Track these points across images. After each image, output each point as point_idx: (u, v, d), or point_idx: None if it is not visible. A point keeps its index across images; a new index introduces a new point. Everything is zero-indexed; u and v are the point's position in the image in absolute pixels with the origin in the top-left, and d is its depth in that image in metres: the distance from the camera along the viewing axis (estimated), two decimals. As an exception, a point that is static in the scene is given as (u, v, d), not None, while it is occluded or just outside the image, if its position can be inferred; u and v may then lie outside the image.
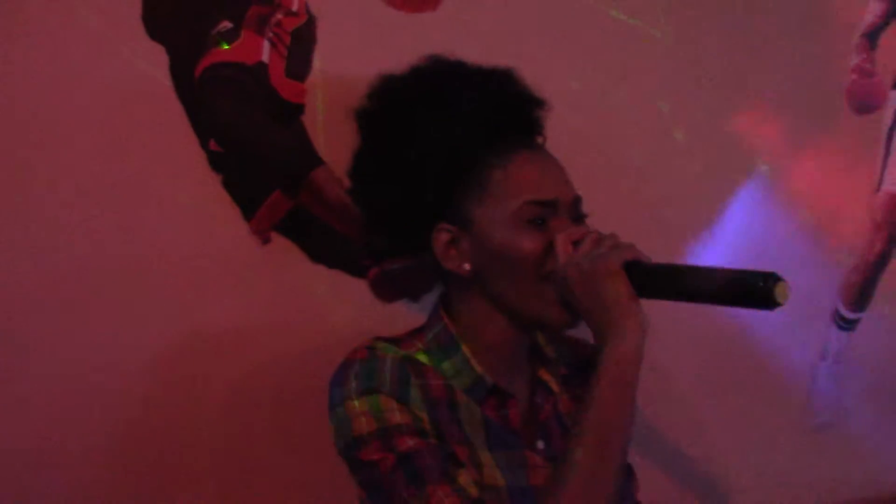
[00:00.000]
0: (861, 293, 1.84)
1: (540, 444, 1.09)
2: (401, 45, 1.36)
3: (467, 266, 1.05)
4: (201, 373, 1.32)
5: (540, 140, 1.12)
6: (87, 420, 1.26)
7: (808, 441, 1.81)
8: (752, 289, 0.87)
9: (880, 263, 1.85)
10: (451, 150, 1.04)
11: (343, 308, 1.39)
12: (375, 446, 0.97)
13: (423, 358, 1.06)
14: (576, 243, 1.00)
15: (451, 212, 1.06)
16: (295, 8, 1.32)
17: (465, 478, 0.97)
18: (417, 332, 1.11)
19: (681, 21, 1.63)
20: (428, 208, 1.06)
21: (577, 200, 1.06)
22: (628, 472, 1.20)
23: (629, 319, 0.95)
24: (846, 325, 1.83)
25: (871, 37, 1.81)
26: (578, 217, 1.07)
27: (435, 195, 1.06)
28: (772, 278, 0.86)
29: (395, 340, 1.08)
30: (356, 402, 0.99)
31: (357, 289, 1.39)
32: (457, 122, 1.04)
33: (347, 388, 1.01)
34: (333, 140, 1.34)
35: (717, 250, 1.70)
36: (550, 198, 1.03)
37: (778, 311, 1.51)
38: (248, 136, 1.31)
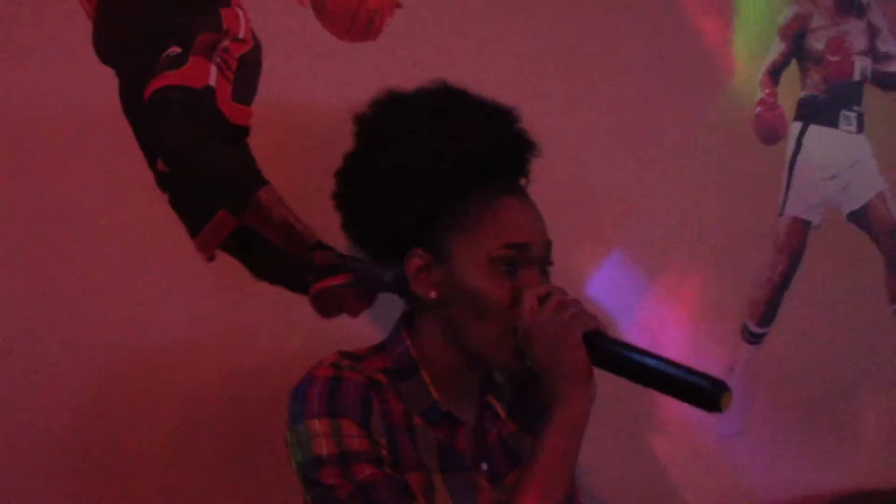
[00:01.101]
0: (767, 309, 1.95)
1: (484, 466, 1.13)
2: (342, 72, 1.44)
3: (434, 294, 1.08)
4: (146, 389, 1.34)
5: (524, 182, 1.16)
6: (30, 439, 1.26)
7: (720, 449, 1.91)
8: (700, 394, 0.93)
9: (784, 282, 1.97)
10: (442, 179, 1.07)
11: (286, 324, 1.42)
12: (334, 471, 0.99)
13: (383, 378, 1.08)
14: (541, 300, 1.03)
15: (428, 238, 1.08)
16: (242, 35, 1.36)
17: None
18: (379, 350, 1.13)
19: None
20: (406, 229, 1.09)
21: (548, 246, 1.10)
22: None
23: (580, 389, 1.01)
24: (753, 339, 1.94)
25: (775, 73, 1.95)
26: (547, 263, 1.11)
27: (416, 219, 1.08)
28: (719, 387, 0.93)
29: (357, 357, 1.09)
30: (318, 422, 1.01)
31: (300, 305, 1.43)
32: (454, 153, 1.06)
33: (310, 406, 1.02)
34: (277, 162, 1.39)
35: (634, 273, 1.80)
36: (525, 241, 1.06)
37: (691, 326, 1.62)
38: (194, 157, 1.34)
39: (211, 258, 1.37)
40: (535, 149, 1.15)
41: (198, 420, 1.37)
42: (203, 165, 1.35)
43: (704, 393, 0.93)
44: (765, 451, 1.95)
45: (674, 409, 1.77)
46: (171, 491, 1.35)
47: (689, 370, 0.96)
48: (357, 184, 1.13)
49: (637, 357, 1.00)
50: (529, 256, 1.07)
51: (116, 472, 1.32)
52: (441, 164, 1.06)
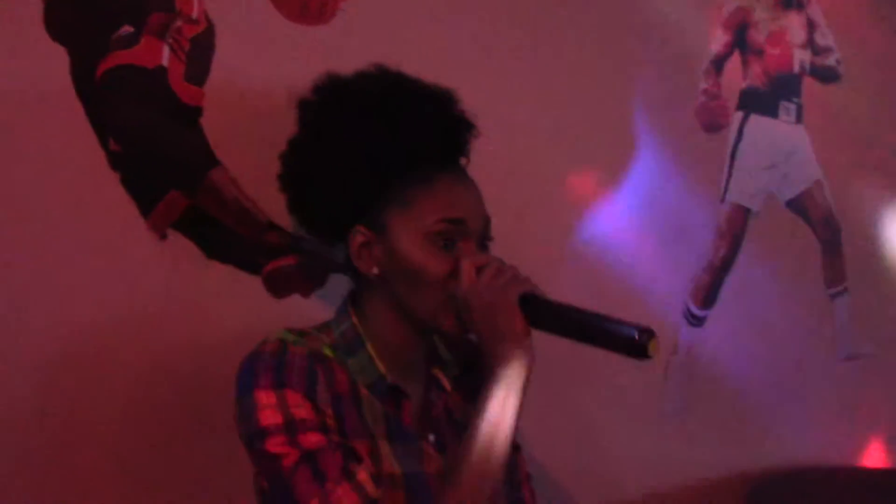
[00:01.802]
0: (708, 293, 2.02)
1: (431, 437, 1.17)
2: (295, 55, 1.45)
3: (376, 270, 1.12)
4: (98, 367, 1.35)
5: (464, 161, 1.19)
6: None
7: (663, 426, 1.97)
8: (629, 342, 0.98)
9: (725, 266, 2.04)
10: (381, 161, 1.11)
11: (237, 303, 1.44)
12: (280, 440, 1.02)
13: (329, 353, 1.12)
14: (479, 270, 1.08)
15: (370, 217, 1.12)
16: (195, 15, 1.37)
17: (363, 475, 1.04)
18: (325, 327, 1.17)
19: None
20: (348, 208, 1.13)
21: (486, 223, 1.15)
22: (515, 449, 1.32)
23: (518, 351, 1.05)
24: (696, 321, 2.00)
25: (717, 64, 2.01)
26: (486, 238, 1.15)
27: (357, 198, 1.12)
28: (646, 334, 0.97)
29: (303, 333, 1.13)
30: (264, 394, 1.04)
31: (251, 285, 1.45)
32: (392, 135, 1.10)
33: (256, 378, 1.05)
34: (230, 142, 1.40)
35: (582, 255, 1.85)
36: (461, 217, 1.10)
37: (636, 309, 1.66)
38: (147, 137, 1.35)
39: (163, 237, 1.38)
40: (474, 130, 1.19)
41: (150, 397, 1.38)
42: (155, 145, 1.36)
43: (633, 341, 0.97)
44: (706, 429, 2.01)
45: (617, 386, 1.84)
46: (125, 466, 1.37)
47: (618, 322, 1.00)
48: (300, 166, 1.17)
49: (569, 314, 1.04)
50: (466, 231, 1.11)
51: (71, 449, 1.33)
52: (379, 146, 1.10)
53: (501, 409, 1.04)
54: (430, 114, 1.14)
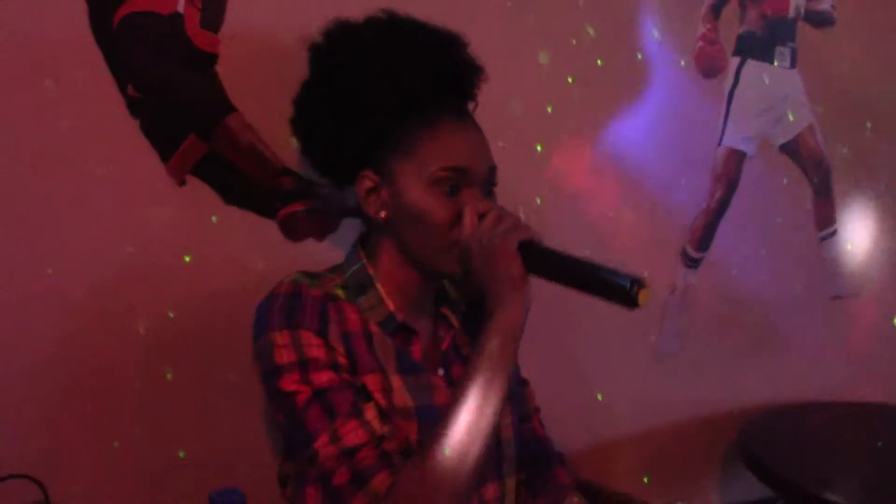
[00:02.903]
0: (704, 235, 2.06)
1: (440, 372, 1.22)
2: (308, 1, 1.46)
3: (383, 214, 1.16)
4: (118, 309, 1.38)
5: (471, 106, 1.22)
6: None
7: (659, 366, 2.03)
8: (621, 291, 1.02)
9: (720, 209, 2.07)
10: (387, 105, 1.14)
11: (255, 247, 1.47)
12: (294, 377, 1.08)
13: (340, 293, 1.17)
14: (481, 217, 1.11)
15: (377, 161, 1.16)
16: (210, -38, 1.38)
17: (371, 412, 1.09)
18: (337, 269, 1.21)
19: None
20: (355, 153, 1.17)
21: (491, 170, 1.18)
22: (523, 384, 1.37)
23: (516, 295, 1.09)
24: (692, 263, 2.05)
25: (716, 9, 2.02)
26: (490, 185, 1.18)
27: (364, 143, 1.15)
28: (637, 284, 1.01)
29: (316, 276, 1.18)
30: (279, 334, 1.09)
31: (267, 228, 1.48)
32: (399, 79, 1.13)
33: (271, 319, 1.10)
34: (245, 88, 1.42)
35: (582, 198, 1.88)
36: (465, 165, 1.13)
37: (635, 251, 1.68)
38: (164, 83, 1.36)
39: (182, 182, 1.40)
40: (481, 73, 1.22)
41: (165, 342, 1.41)
42: (172, 91, 1.37)
43: (625, 291, 1.02)
44: (700, 367, 2.07)
45: (614, 325, 1.89)
46: (147, 406, 1.41)
47: (612, 272, 1.05)
48: (310, 110, 1.21)
49: (565, 262, 1.09)
50: (470, 179, 1.14)
51: (93, 393, 1.36)
52: (385, 90, 1.13)
53: (500, 352, 1.08)
54: (435, 57, 1.16)
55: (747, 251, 2.12)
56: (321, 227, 1.52)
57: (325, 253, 1.50)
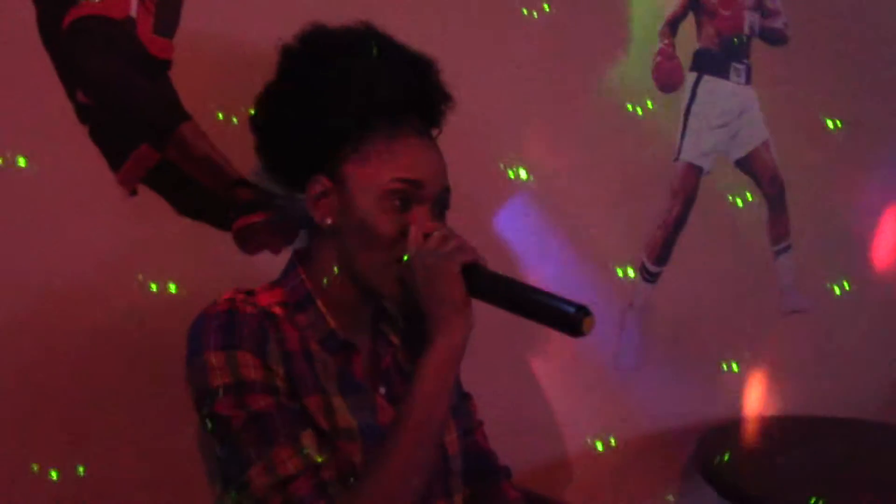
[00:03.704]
0: (662, 250, 2.07)
1: (382, 390, 1.19)
2: (266, 7, 1.43)
3: (330, 220, 1.13)
4: (61, 322, 1.32)
5: (435, 132, 1.20)
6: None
7: (618, 381, 2.03)
8: (564, 318, 1.00)
9: (678, 224, 2.09)
10: (351, 110, 1.11)
11: (207, 260, 1.43)
12: (229, 401, 1.03)
13: (279, 311, 1.13)
14: (426, 236, 1.09)
15: (331, 167, 1.13)
16: (164, -35, 1.35)
17: (308, 439, 1.05)
18: (274, 285, 1.18)
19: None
20: (312, 155, 1.14)
21: (445, 191, 1.16)
22: (466, 398, 1.35)
23: (457, 318, 1.07)
24: (650, 277, 2.05)
25: (673, 25, 2.04)
26: (442, 207, 1.16)
27: (322, 145, 1.13)
28: (581, 312, 1.00)
29: (252, 292, 1.14)
30: (213, 355, 1.05)
31: (221, 241, 1.44)
32: (368, 87, 1.11)
33: (206, 340, 1.06)
34: (200, 96, 1.38)
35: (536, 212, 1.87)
36: (419, 178, 1.11)
37: (593, 266, 1.67)
38: (115, 89, 1.32)
39: (133, 193, 1.36)
40: (450, 101, 1.21)
41: (106, 357, 1.36)
42: (124, 98, 1.33)
43: (568, 318, 1.00)
44: (658, 382, 2.07)
45: (572, 343, 1.86)
46: (81, 426, 1.35)
47: (556, 298, 1.03)
48: (272, 107, 1.18)
49: (508, 287, 1.07)
50: (423, 195, 1.12)
51: (24, 411, 1.31)
52: (352, 94, 1.11)
53: (440, 375, 1.06)
54: (407, 73, 1.15)
55: (705, 266, 2.13)
56: (277, 239, 1.48)
57: (281, 266, 1.46)
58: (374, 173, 1.11)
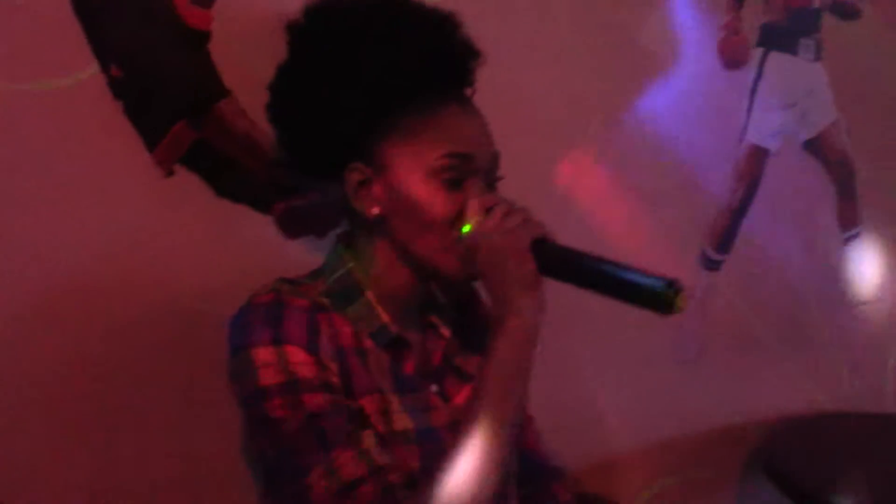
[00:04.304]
0: (725, 236, 1.97)
1: (434, 388, 1.11)
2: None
3: (376, 210, 1.05)
4: (91, 313, 1.26)
5: (469, 92, 1.12)
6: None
7: (676, 374, 1.93)
8: (653, 296, 0.89)
9: (742, 209, 1.98)
10: (380, 89, 1.03)
11: (248, 244, 1.36)
12: (282, 401, 0.95)
13: (325, 302, 1.05)
14: (488, 210, 1.01)
15: (367, 152, 1.05)
16: (202, -70, 1.27)
17: (369, 440, 0.97)
18: (317, 274, 1.09)
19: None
20: (344, 143, 1.05)
21: (495, 158, 1.07)
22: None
23: (529, 298, 0.97)
24: (711, 265, 1.96)
25: (739, -2, 1.94)
26: (494, 177, 1.08)
27: (353, 131, 1.04)
28: (673, 288, 0.88)
29: (296, 283, 1.06)
30: (262, 351, 0.96)
31: (262, 224, 1.37)
32: (392, 62, 1.02)
33: (252, 334, 0.97)
34: (240, 71, 1.31)
35: (595, 193, 1.78)
36: (468, 151, 1.03)
37: (649, 253, 1.58)
38: (150, 63, 1.25)
39: (169, 173, 1.29)
40: (479, 57, 1.11)
41: (144, 344, 1.30)
42: (160, 72, 1.27)
43: (658, 295, 0.89)
44: (718, 376, 1.98)
45: (628, 332, 1.79)
46: (115, 422, 1.29)
47: (641, 272, 0.92)
48: (289, 96, 1.09)
49: (585, 262, 0.97)
50: (474, 167, 1.04)
51: (56, 405, 1.25)
52: (376, 71, 1.02)
53: (514, 360, 0.98)
54: (431, 37, 1.06)
55: (770, 253, 2.03)
56: (321, 223, 1.40)
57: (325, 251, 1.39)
58: (419, 153, 1.03)
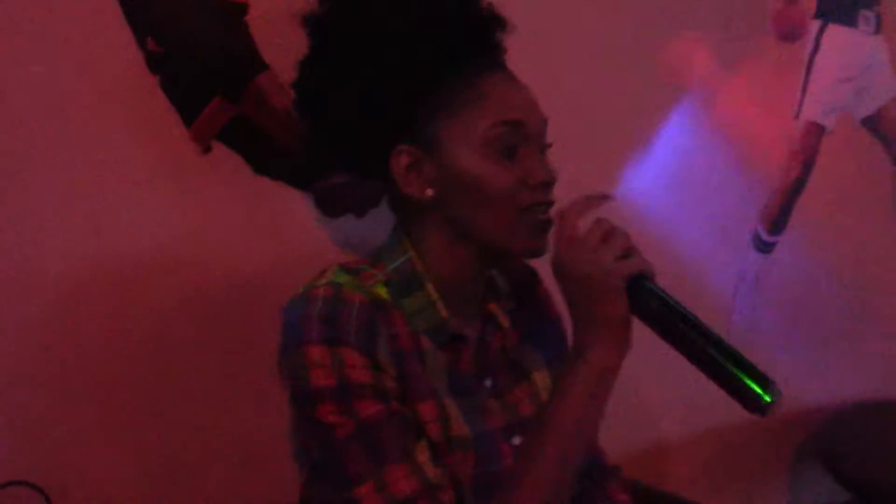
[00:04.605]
0: (779, 217, 1.90)
1: (488, 383, 1.05)
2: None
3: (430, 192, 0.99)
4: (132, 299, 1.24)
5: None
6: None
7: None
8: (747, 397, 0.83)
9: (797, 189, 1.91)
10: (416, 66, 0.97)
11: (286, 223, 1.33)
12: (334, 407, 0.90)
13: (384, 293, 0.98)
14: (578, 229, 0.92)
15: (412, 132, 0.99)
16: None
17: (424, 455, 0.93)
18: (375, 260, 1.03)
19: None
20: (386, 128, 0.99)
21: (544, 124, 1.02)
22: None
23: (614, 337, 0.90)
24: (765, 247, 1.89)
25: (795, -33, 1.86)
26: (545, 143, 1.02)
27: (396, 113, 0.98)
28: (776, 395, 0.82)
29: (355, 270, 0.99)
30: (316, 350, 0.91)
31: (301, 203, 1.34)
32: (423, 36, 0.97)
33: (307, 330, 0.92)
34: (279, 43, 1.27)
35: (646, 173, 1.73)
36: (520, 118, 0.98)
37: (701, 234, 1.52)
38: (187, 36, 1.23)
39: (207, 149, 1.26)
40: (506, 25, 1.05)
41: (186, 324, 1.28)
42: (197, 45, 1.24)
43: (753, 400, 0.82)
44: (773, 362, 1.89)
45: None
46: (158, 408, 1.27)
47: (742, 364, 0.84)
48: (326, 88, 1.02)
49: (681, 324, 0.87)
50: (525, 134, 0.98)
51: (100, 394, 1.24)
52: (412, 50, 0.97)
53: (587, 403, 0.91)
54: (460, 6, 1.01)
55: (825, 235, 1.96)
56: (362, 201, 1.37)
57: (365, 232, 1.36)
58: (469, 123, 0.97)
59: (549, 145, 1.03)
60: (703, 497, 1.79)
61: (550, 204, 0.99)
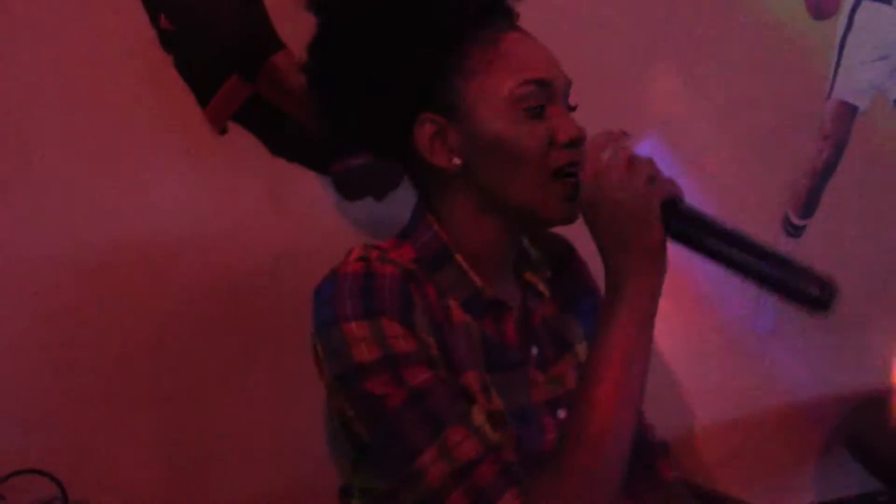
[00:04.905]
0: (809, 200, 1.85)
1: (534, 351, 1.03)
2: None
3: (457, 161, 0.95)
4: (145, 285, 1.23)
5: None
6: (10, 323, 1.15)
7: (755, 344, 1.84)
8: (805, 297, 0.82)
9: (827, 171, 1.87)
10: (432, 32, 0.94)
11: (304, 206, 1.30)
12: (382, 378, 0.87)
13: (416, 269, 0.96)
14: (606, 156, 0.89)
15: (434, 100, 0.96)
16: None
17: (480, 417, 0.89)
18: (402, 241, 1.00)
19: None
20: (407, 98, 0.96)
21: (568, 84, 0.99)
22: None
23: (652, 271, 0.88)
24: (794, 231, 1.85)
25: (829, -59, 1.80)
26: (569, 105, 0.99)
27: (415, 81, 0.95)
28: (829, 290, 0.81)
29: (383, 250, 0.97)
30: (355, 325, 0.88)
31: (319, 185, 1.31)
32: (437, 3, 0.95)
33: (342, 307, 0.89)
34: (295, 21, 1.20)
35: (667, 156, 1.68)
36: (545, 76, 0.94)
37: (730, 217, 1.49)
38: (201, 13, 1.20)
39: (223, 130, 1.24)
40: None
41: (205, 322, 1.26)
42: (211, 23, 1.21)
43: (813, 298, 0.82)
44: (801, 348, 1.88)
45: (702, 305, 1.70)
46: (172, 398, 1.25)
47: (795, 268, 0.83)
48: (342, 64, 0.99)
49: (726, 238, 0.86)
50: (551, 93, 0.95)
51: (114, 383, 1.22)
52: (428, 12, 0.94)
53: (635, 337, 0.87)
54: None
55: (856, 219, 1.91)
56: (381, 184, 1.34)
57: (385, 213, 1.33)
58: (493, 85, 0.94)
59: (575, 108, 1.00)
60: (731, 487, 1.77)
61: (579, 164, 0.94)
